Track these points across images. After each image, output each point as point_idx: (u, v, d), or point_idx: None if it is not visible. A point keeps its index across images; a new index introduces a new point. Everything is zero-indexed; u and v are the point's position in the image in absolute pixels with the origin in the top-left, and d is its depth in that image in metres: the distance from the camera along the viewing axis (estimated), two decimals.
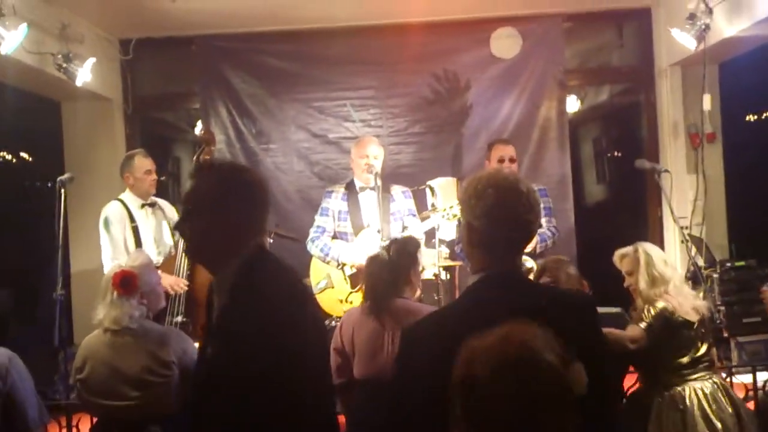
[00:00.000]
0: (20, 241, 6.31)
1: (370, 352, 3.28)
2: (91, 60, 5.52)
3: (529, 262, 4.51)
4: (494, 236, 1.88)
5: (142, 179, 4.88)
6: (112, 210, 4.85)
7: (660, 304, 3.25)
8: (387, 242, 3.53)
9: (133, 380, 2.88)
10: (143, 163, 4.91)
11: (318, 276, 5.13)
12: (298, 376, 1.80)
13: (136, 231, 4.82)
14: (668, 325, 3.23)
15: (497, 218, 1.87)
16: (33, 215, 6.23)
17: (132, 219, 4.84)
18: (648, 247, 3.41)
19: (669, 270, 3.30)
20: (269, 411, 1.78)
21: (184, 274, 4.66)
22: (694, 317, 3.27)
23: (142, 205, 4.91)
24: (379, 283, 3.35)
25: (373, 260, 3.36)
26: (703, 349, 3.31)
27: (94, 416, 3.25)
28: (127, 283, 2.98)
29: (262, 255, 1.99)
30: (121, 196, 4.94)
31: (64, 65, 5.34)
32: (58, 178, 4.53)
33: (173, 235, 4.84)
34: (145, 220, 4.89)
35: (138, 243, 4.80)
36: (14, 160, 7.62)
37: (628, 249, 3.45)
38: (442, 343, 1.62)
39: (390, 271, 3.35)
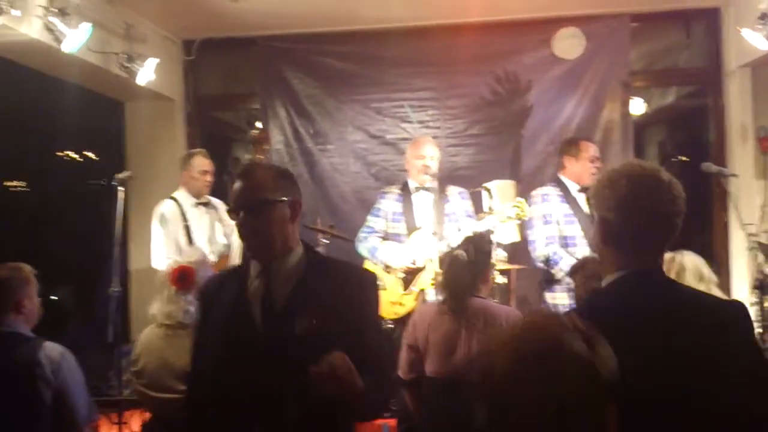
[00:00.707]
0: (83, 238, 6.47)
1: (446, 351, 3.26)
2: (154, 60, 5.62)
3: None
4: (629, 230, 1.72)
5: (196, 178, 4.94)
6: (165, 208, 4.91)
7: None
8: (460, 242, 3.48)
9: (184, 374, 2.90)
10: (202, 162, 4.97)
11: None
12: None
13: (188, 230, 4.87)
14: None
15: (632, 210, 1.71)
16: (96, 213, 6.37)
17: (185, 218, 4.89)
18: (686, 259, 3.25)
19: (701, 286, 3.11)
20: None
21: None
22: None
23: (196, 204, 4.96)
24: (459, 282, 3.32)
25: (455, 260, 3.33)
26: None
27: (147, 411, 3.28)
28: (184, 278, 3.00)
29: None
30: (175, 194, 5.00)
31: (127, 65, 5.45)
32: (116, 176, 4.60)
33: (226, 235, 4.88)
34: (198, 219, 4.94)
35: (190, 241, 4.84)
36: (80, 159, 7.84)
37: (668, 255, 3.32)
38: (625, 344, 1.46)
39: (469, 271, 3.32)
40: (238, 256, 4.71)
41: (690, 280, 3.15)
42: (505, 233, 5.53)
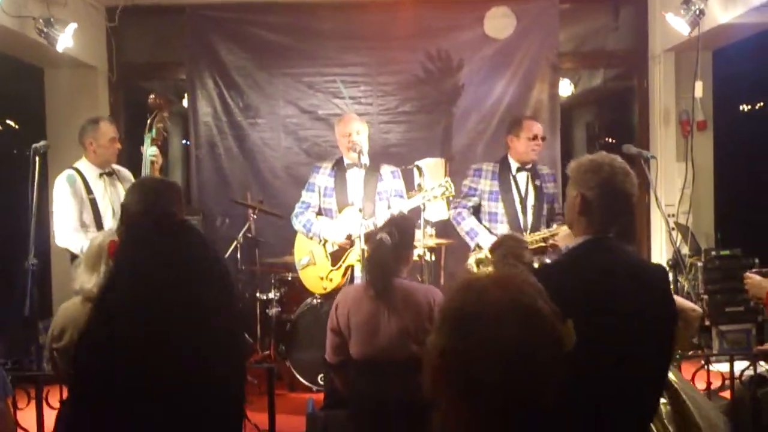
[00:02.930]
0: (4, 209, 6.23)
1: (369, 333, 3.26)
2: (73, 25, 5.39)
3: None
4: (602, 205, 2.24)
5: (105, 146, 4.59)
6: (67, 179, 4.55)
7: None
8: (383, 223, 3.48)
9: None
10: (109, 129, 4.61)
11: (301, 252, 5.10)
12: None
13: (94, 203, 4.55)
14: None
15: (608, 190, 2.23)
16: (18, 183, 6.15)
17: (89, 191, 4.55)
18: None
19: None
20: None
21: None
22: None
23: (100, 175, 4.62)
24: (383, 266, 3.32)
25: (379, 244, 3.32)
26: None
27: (69, 386, 3.18)
28: None
29: None
30: (77, 165, 4.64)
31: (45, 30, 5.22)
32: (33, 146, 4.40)
33: None
34: (104, 191, 4.61)
35: (96, 215, 4.56)
36: (0, 127, 7.54)
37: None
38: (572, 296, 1.90)
39: (393, 254, 3.33)
40: None
41: None
42: (433, 211, 5.57)
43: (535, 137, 4.82)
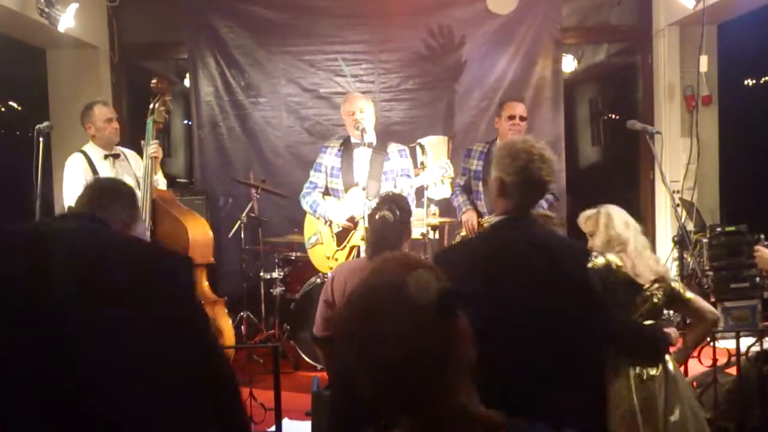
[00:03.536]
0: (13, 191, 6.24)
1: None
2: (74, 5, 5.37)
3: None
4: (518, 189, 2.36)
5: (103, 128, 4.72)
6: (73, 162, 4.70)
7: (610, 257, 3.19)
8: (379, 201, 3.48)
9: None
10: (103, 111, 4.74)
11: (310, 231, 5.11)
12: None
13: None
14: (609, 279, 3.16)
15: (524, 176, 2.34)
16: (22, 164, 6.15)
17: (94, 171, 4.70)
18: (611, 209, 3.33)
19: (629, 232, 3.23)
20: None
21: (148, 225, 4.58)
22: (644, 280, 3.20)
23: (106, 156, 4.76)
24: (386, 242, 3.32)
25: (383, 225, 3.33)
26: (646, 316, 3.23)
27: None
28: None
29: None
30: (84, 148, 4.79)
31: (47, 10, 5.20)
32: (36, 127, 4.41)
33: (138, 187, 4.74)
34: (109, 172, 4.73)
35: None
36: (2, 109, 7.52)
37: (592, 211, 3.39)
38: (471, 267, 2.23)
39: (395, 230, 3.34)
40: (146, 209, 4.55)
41: (619, 226, 3.22)
42: (436, 189, 5.56)
43: (512, 117, 4.99)
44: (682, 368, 3.48)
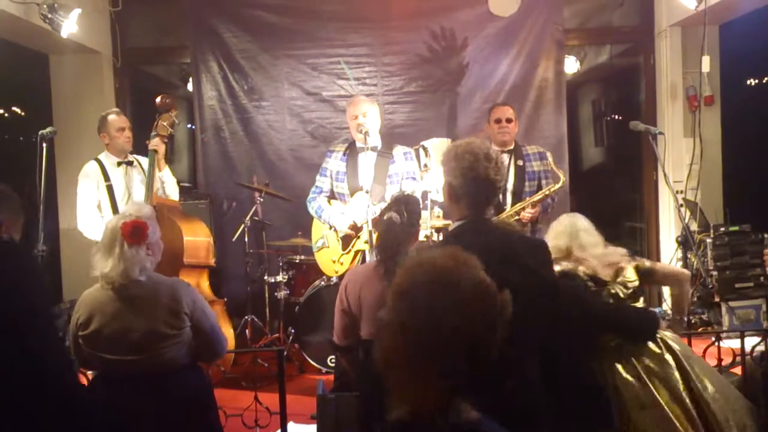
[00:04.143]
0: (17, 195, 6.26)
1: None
2: (77, 11, 5.38)
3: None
4: (468, 192, 2.35)
5: (116, 137, 4.91)
6: (87, 169, 4.91)
7: (563, 265, 3.28)
8: (389, 203, 3.49)
9: (149, 333, 2.81)
10: (116, 120, 4.92)
11: (317, 235, 5.12)
12: None
13: (110, 189, 4.86)
14: (576, 281, 3.24)
15: (470, 177, 2.33)
16: (26, 170, 6.17)
17: (107, 178, 4.87)
18: (576, 221, 3.44)
19: (562, 240, 3.34)
20: None
21: None
22: (605, 275, 3.27)
23: (119, 164, 4.94)
24: (393, 244, 3.33)
25: (390, 223, 3.33)
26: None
27: (94, 370, 3.19)
28: (138, 232, 2.89)
29: None
30: (99, 156, 4.98)
31: (50, 16, 5.22)
32: (39, 132, 4.44)
33: (147, 193, 4.79)
34: (121, 179, 4.92)
35: (113, 201, 4.83)
36: (6, 114, 7.54)
37: (561, 217, 3.55)
38: None
39: (403, 232, 3.34)
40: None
41: (551, 238, 3.35)
42: (441, 191, 5.57)
43: (498, 120, 5.05)
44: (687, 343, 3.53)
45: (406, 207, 3.38)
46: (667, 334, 3.20)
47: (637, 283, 3.29)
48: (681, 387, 3.07)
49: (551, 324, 2.32)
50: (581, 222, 3.44)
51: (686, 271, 3.48)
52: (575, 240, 3.34)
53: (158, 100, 4.97)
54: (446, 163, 2.39)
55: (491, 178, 2.35)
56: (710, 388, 3.07)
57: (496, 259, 2.14)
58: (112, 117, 4.94)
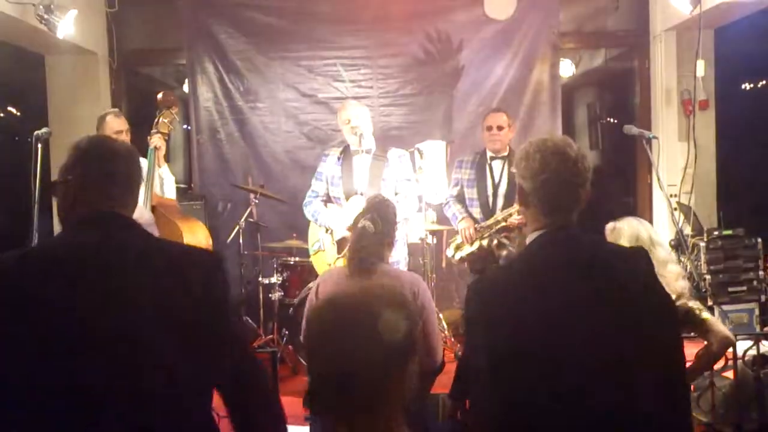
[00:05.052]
0: (11, 197, 6.25)
1: None
2: (73, 12, 5.39)
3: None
4: (540, 196, 2.01)
5: None
6: None
7: None
8: (363, 209, 3.45)
9: None
10: (113, 123, 4.74)
11: (313, 238, 5.11)
12: None
13: None
14: None
15: (542, 180, 2.00)
16: (21, 171, 6.17)
17: None
18: (625, 222, 3.29)
19: (640, 246, 3.16)
20: None
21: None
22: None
23: None
24: (365, 252, 3.30)
25: (362, 232, 3.29)
26: None
27: None
28: None
29: None
30: None
31: (46, 16, 5.22)
32: (35, 133, 4.42)
33: (147, 193, 4.74)
34: None
35: None
36: (1, 115, 7.54)
37: (613, 224, 3.39)
38: (509, 298, 1.93)
39: (376, 240, 3.30)
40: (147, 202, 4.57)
41: (627, 240, 3.19)
42: (434, 194, 5.59)
43: (490, 128, 5.07)
44: None
45: (379, 213, 3.34)
46: None
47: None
48: None
49: (671, 348, 1.95)
50: (654, 234, 3.27)
51: (731, 337, 3.15)
52: (653, 252, 2.97)
53: (160, 96, 4.86)
54: (516, 162, 2.08)
55: (566, 179, 2.00)
56: None
57: (584, 275, 1.92)
58: (109, 118, 4.79)
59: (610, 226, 3.38)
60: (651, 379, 1.86)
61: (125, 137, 4.79)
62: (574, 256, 1.99)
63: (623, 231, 3.28)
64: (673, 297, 2.98)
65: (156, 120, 4.81)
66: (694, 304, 3.18)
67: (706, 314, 3.20)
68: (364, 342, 1.36)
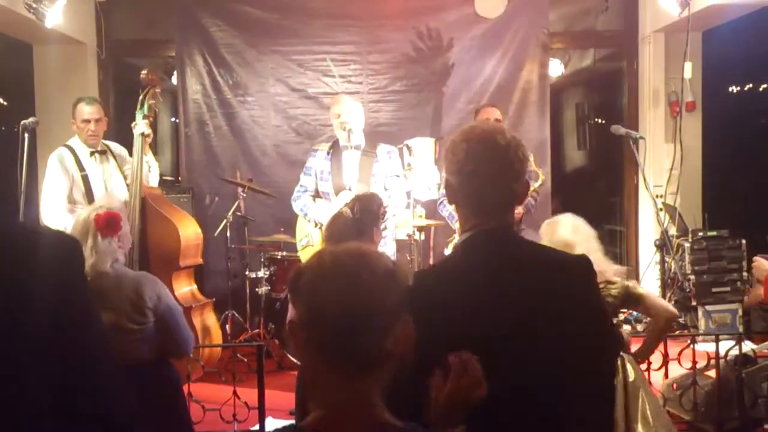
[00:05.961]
0: None
1: None
2: (62, 1, 5.35)
3: None
4: (469, 193, 1.73)
5: (80, 128, 4.60)
6: (61, 156, 4.57)
7: None
8: (350, 200, 3.46)
9: (112, 328, 2.71)
10: (83, 111, 4.59)
11: (301, 233, 5.11)
12: None
13: (86, 180, 4.55)
14: None
15: (468, 174, 1.71)
16: (7, 160, 6.13)
17: (81, 167, 4.56)
18: (562, 217, 3.29)
19: (577, 237, 3.13)
20: None
21: (136, 228, 4.43)
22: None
23: (92, 153, 4.64)
24: (342, 238, 3.30)
25: (337, 218, 3.30)
26: None
27: None
28: (112, 223, 2.85)
29: None
30: (70, 142, 4.66)
31: (34, 5, 5.18)
32: (21, 122, 4.36)
33: (125, 181, 4.67)
34: (96, 168, 4.62)
35: (88, 191, 4.54)
36: None
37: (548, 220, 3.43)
38: (437, 300, 1.62)
39: (354, 228, 3.30)
40: (134, 209, 4.50)
41: (564, 232, 3.17)
42: (423, 190, 5.59)
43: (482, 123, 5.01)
44: (648, 371, 3.51)
45: (361, 204, 3.34)
46: (626, 356, 3.09)
47: (614, 303, 3.16)
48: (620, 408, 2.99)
49: (596, 360, 1.76)
50: (586, 228, 3.29)
51: (672, 310, 3.25)
52: (589, 243, 3.14)
53: (143, 74, 4.74)
54: (444, 155, 1.80)
55: (498, 173, 1.71)
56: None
57: (518, 282, 1.68)
58: (80, 105, 4.61)
59: (546, 221, 3.37)
60: (578, 386, 1.69)
61: (93, 128, 4.62)
62: (505, 263, 1.71)
63: (559, 223, 3.26)
64: (616, 281, 3.12)
65: (141, 99, 4.68)
66: (630, 282, 3.21)
67: (641, 290, 3.26)
68: (368, 286, 1.27)
